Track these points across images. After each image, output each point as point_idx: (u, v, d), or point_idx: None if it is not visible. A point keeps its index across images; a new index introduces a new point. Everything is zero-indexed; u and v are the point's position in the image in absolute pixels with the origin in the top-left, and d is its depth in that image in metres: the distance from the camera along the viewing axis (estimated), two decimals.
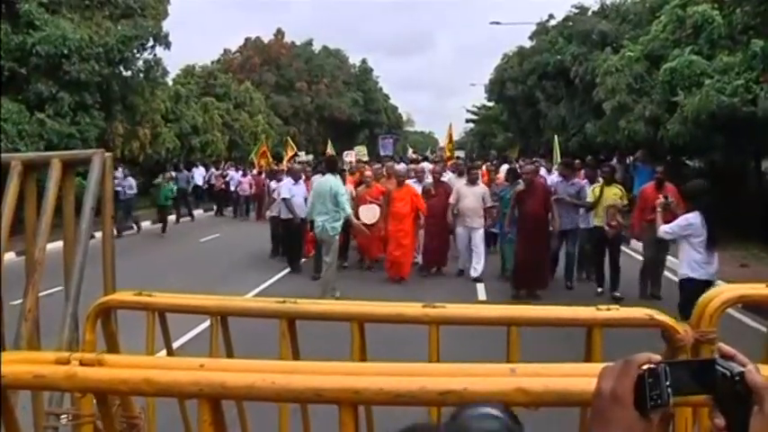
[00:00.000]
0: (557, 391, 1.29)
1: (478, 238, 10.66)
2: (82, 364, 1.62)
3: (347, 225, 9.80)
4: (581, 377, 1.28)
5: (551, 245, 9.92)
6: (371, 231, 10.65)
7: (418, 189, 11.30)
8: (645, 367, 0.89)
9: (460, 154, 40.49)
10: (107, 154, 3.44)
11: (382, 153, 26.43)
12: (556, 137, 18.03)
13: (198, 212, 23.79)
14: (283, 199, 11.75)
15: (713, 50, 14.54)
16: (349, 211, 9.36)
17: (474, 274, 10.60)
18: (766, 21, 8.44)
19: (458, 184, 11.15)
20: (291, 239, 11.77)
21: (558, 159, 16.03)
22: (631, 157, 20.67)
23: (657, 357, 0.90)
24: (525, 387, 1.28)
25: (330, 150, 25.41)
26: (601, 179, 9.94)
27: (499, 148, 38.93)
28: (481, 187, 11.00)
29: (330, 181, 9.32)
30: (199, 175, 25.17)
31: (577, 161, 12.96)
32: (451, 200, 10.68)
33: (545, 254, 9.64)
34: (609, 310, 2.23)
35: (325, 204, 9.15)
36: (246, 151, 27.43)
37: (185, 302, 2.88)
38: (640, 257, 10.14)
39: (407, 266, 10.84)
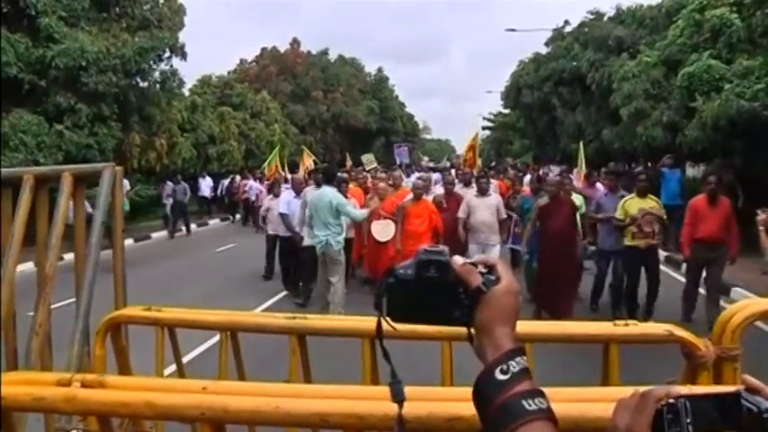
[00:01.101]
0: (571, 417, 1.23)
1: (495, 252, 9.11)
2: (83, 385, 1.59)
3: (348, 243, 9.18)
4: (598, 402, 1.22)
5: (578, 267, 8.78)
6: (382, 250, 9.68)
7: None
8: (663, 402, 0.83)
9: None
10: (118, 168, 3.43)
11: (398, 161, 26.25)
12: (581, 143, 16.88)
13: (214, 221, 23.89)
14: (280, 214, 10.38)
15: (732, 54, 14.34)
16: (359, 214, 8.95)
17: None
18: None
19: (467, 195, 9.81)
20: (300, 263, 9.85)
21: (584, 167, 15.10)
22: (649, 163, 20.48)
23: (678, 390, 0.84)
24: None
25: (349, 161, 25.49)
26: (623, 191, 8.93)
27: (515, 155, 38.76)
28: (494, 197, 9.65)
29: (328, 193, 8.61)
30: (206, 185, 24.93)
31: (607, 169, 12.48)
32: (461, 213, 9.41)
33: (571, 279, 8.46)
34: (627, 325, 2.16)
35: (326, 219, 8.48)
36: (263, 160, 27.52)
37: (194, 318, 2.86)
38: (678, 277, 9.48)
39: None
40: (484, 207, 9.28)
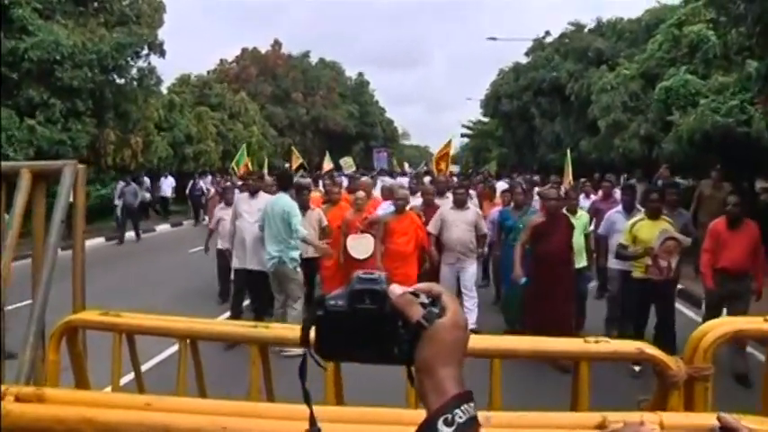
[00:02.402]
0: None
1: (470, 278, 8.02)
2: (17, 399, 1.48)
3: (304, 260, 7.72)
4: (559, 429, 1.15)
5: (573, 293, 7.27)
6: (362, 268, 7.95)
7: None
8: None
9: (455, 169, 40.55)
10: (80, 166, 3.30)
11: (376, 166, 26.11)
12: (568, 151, 15.90)
13: (188, 222, 23.48)
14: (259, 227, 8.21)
15: (708, 70, 14.53)
16: (303, 232, 7.28)
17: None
18: (761, 42, 8.37)
19: (442, 208, 8.41)
20: (255, 283, 7.92)
21: (571, 177, 14.17)
22: (625, 175, 20.61)
23: (648, 429, 0.77)
24: None
25: (327, 163, 24.85)
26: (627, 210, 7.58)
27: (489, 162, 38.93)
28: (472, 211, 8.28)
29: (282, 201, 7.29)
30: (167, 185, 23.97)
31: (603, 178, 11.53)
32: (431, 229, 7.97)
33: (569, 308, 7.02)
34: (597, 342, 2.10)
35: (278, 231, 7.17)
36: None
37: (153, 324, 2.75)
38: (691, 314, 8.39)
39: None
40: (460, 222, 7.95)
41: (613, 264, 7.44)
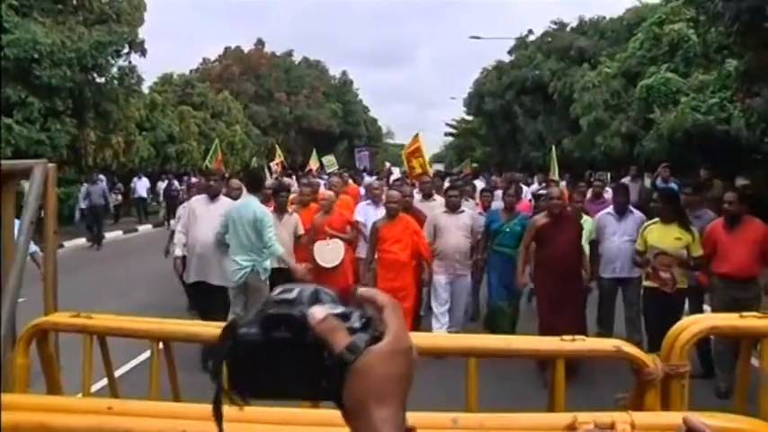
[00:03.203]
0: None
1: (464, 288, 7.30)
2: None
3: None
4: (529, 431, 1.13)
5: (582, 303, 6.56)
6: (332, 278, 7.07)
7: (375, 215, 7.54)
8: None
9: (440, 167, 40.58)
10: (50, 165, 3.23)
11: (358, 166, 25.99)
12: (553, 148, 15.55)
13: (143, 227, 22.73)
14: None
15: (689, 68, 14.68)
16: (278, 249, 6.34)
17: (439, 327, 6.96)
18: (739, 40, 8.44)
19: (434, 211, 7.60)
20: (208, 297, 6.86)
21: (557, 175, 13.70)
22: (609, 173, 20.70)
23: None
24: None
25: (314, 162, 24.61)
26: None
27: (476, 161, 38.97)
28: (467, 214, 7.42)
29: (253, 206, 6.36)
30: (142, 186, 22.58)
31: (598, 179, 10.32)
32: (425, 235, 7.11)
33: (578, 317, 6.21)
34: (574, 340, 2.08)
35: (248, 238, 6.26)
36: (224, 161, 27.00)
37: (125, 326, 2.69)
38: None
39: (411, 310, 6.97)
40: (455, 228, 7.14)
41: (602, 271, 6.78)
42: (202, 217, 6.76)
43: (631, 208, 7.05)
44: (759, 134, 10.74)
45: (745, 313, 2.30)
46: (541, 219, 6.41)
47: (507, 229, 7.09)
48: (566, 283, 6.10)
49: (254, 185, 6.87)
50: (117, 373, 5.22)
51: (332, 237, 7.39)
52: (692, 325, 2.13)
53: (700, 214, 6.50)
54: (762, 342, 2.16)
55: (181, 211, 7.84)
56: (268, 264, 6.41)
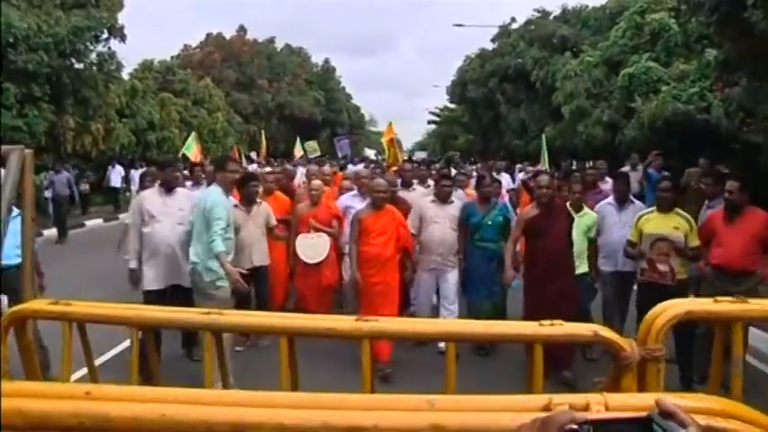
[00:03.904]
0: (474, 428, 1.14)
1: (451, 287, 6.63)
2: None
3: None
4: (504, 412, 1.14)
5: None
6: (316, 275, 6.75)
7: (360, 206, 6.86)
8: (567, 428, 0.74)
9: (423, 155, 40.57)
10: (27, 151, 3.19)
11: (339, 154, 25.92)
12: (543, 136, 14.99)
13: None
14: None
15: (670, 58, 14.79)
16: (217, 246, 5.19)
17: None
18: (718, 30, 8.52)
19: (420, 202, 6.95)
20: (184, 303, 5.23)
21: (547, 163, 13.34)
22: (590, 162, 20.81)
23: (581, 417, 0.76)
24: (441, 423, 1.13)
25: (298, 150, 24.37)
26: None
27: (459, 149, 39.08)
28: (456, 206, 6.76)
29: (211, 195, 5.47)
30: (116, 175, 21.56)
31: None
32: (411, 227, 6.54)
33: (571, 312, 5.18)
34: (552, 325, 2.10)
35: (200, 231, 5.38)
36: (206, 149, 26.75)
37: (105, 312, 2.68)
38: None
39: (389, 343, 5.73)
40: (443, 219, 6.60)
41: (603, 264, 6.42)
42: (160, 213, 5.80)
43: (632, 198, 6.66)
44: (738, 123, 10.87)
45: (719, 298, 2.34)
46: (531, 210, 6.04)
47: (489, 222, 6.52)
48: (559, 279, 5.64)
49: (217, 165, 6.05)
50: (101, 360, 5.24)
51: (317, 230, 6.88)
52: (667, 309, 2.16)
53: (713, 204, 6.27)
54: (734, 326, 2.20)
55: (133, 205, 6.71)
56: (215, 265, 5.26)
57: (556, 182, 6.93)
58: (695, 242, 5.50)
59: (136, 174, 20.20)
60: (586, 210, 6.54)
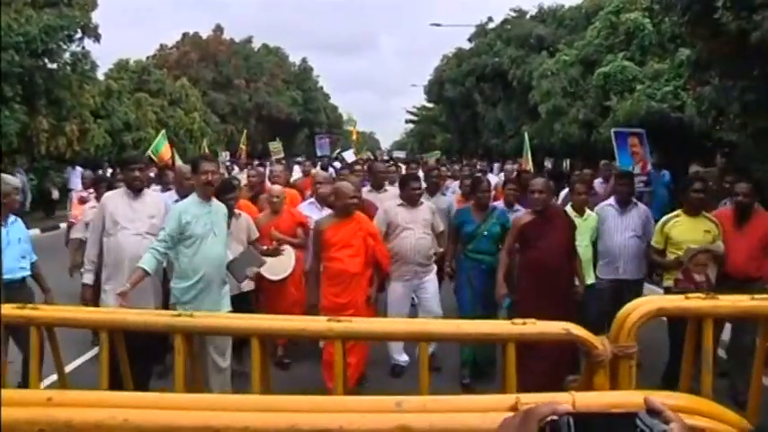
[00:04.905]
0: (442, 429, 1.14)
1: (432, 297, 5.86)
2: None
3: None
4: (472, 413, 1.14)
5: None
6: (280, 293, 5.96)
7: (319, 215, 6.08)
8: (547, 420, 0.75)
9: (401, 154, 40.59)
10: None
11: (319, 153, 25.71)
12: (526, 134, 14.57)
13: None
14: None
15: (644, 57, 14.95)
16: (149, 262, 4.40)
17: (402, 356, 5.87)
18: (690, 30, 8.61)
19: (386, 206, 6.02)
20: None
21: (530, 162, 12.81)
22: (567, 161, 20.98)
23: (564, 408, 0.76)
24: (408, 425, 1.13)
25: (274, 150, 23.79)
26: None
27: (437, 149, 39.15)
28: (426, 208, 5.93)
29: (179, 204, 4.88)
30: (76, 177, 19.43)
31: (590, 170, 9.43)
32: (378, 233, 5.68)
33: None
34: (525, 324, 2.11)
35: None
36: (182, 149, 26.45)
37: (74, 316, 2.64)
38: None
39: (361, 364, 5.27)
40: (415, 223, 5.77)
41: (601, 272, 5.93)
42: (127, 220, 4.94)
43: (634, 200, 6.16)
44: (710, 122, 10.99)
45: (690, 294, 2.36)
46: (525, 217, 5.36)
47: (485, 233, 5.80)
48: (555, 294, 4.94)
49: (192, 169, 4.99)
50: (75, 364, 5.15)
51: (279, 242, 5.88)
52: (639, 306, 2.17)
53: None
54: (704, 321, 2.22)
55: (89, 213, 6.00)
56: (177, 286, 4.59)
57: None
58: (723, 247, 5.11)
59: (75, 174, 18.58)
60: (589, 213, 6.08)
